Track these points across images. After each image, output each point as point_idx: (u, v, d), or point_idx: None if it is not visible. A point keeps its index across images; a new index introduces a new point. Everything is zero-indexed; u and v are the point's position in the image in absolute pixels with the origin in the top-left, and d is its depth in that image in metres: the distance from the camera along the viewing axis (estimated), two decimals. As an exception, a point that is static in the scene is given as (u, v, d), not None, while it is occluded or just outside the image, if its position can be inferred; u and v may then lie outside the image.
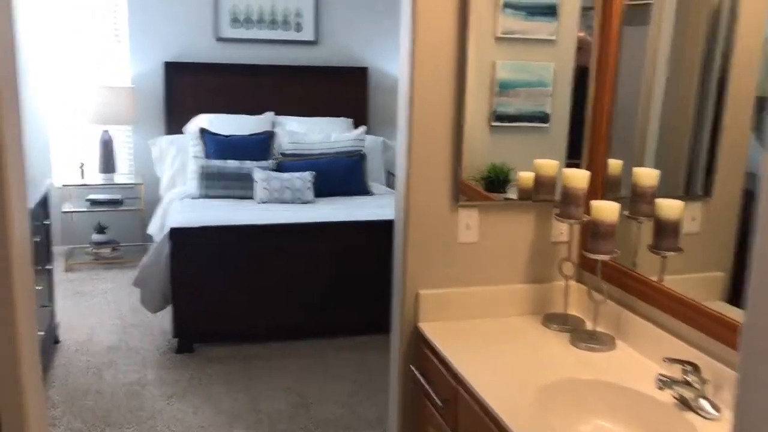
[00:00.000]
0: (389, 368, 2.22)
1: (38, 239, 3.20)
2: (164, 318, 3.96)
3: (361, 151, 4.93)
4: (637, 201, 1.89)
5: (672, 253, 1.76)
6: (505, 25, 2.07)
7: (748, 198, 1.62)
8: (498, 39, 2.07)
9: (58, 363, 3.54)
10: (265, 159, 4.72)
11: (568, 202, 1.98)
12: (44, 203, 3.59)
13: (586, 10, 2.27)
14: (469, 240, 2.08)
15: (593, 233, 1.85)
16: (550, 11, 2.15)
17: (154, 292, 3.74)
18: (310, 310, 3.80)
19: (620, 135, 2.10)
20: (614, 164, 2.07)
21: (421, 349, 2.01)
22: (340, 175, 4.68)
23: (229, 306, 3.71)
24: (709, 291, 1.69)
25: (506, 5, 2.07)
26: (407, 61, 2.01)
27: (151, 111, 5.37)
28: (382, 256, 3.88)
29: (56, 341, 3.76)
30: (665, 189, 1.85)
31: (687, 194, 1.86)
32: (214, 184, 4.44)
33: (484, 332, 2.00)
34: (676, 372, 1.58)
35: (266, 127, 5.27)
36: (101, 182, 5.10)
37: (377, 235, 3.84)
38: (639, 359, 1.81)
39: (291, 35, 5.55)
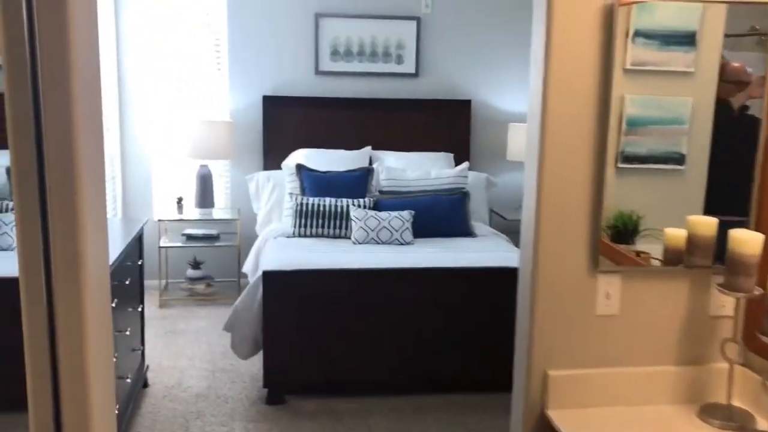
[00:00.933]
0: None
1: (128, 281, 3.07)
2: (255, 363, 3.77)
3: (464, 188, 4.63)
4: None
5: None
6: (636, 56, 1.78)
7: None
8: (627, 71, 1.77)
9: (146, 410, 3.39)
10: (362, 196, 4.50)
11: (736, 271, 1.62)
12: (139, 240, 3.48)
13: (731, 37, 1.93)
14: (609, 312, 1.74)
15: (777, 314, 1.48)
16: (688, 40, 1.84)
17: (245, 338, 3.55)
18: (407, 363, 3.51)
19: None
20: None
21: (549, 443, 1.67)
22: (440, 214, 4.39)
23: (322, 355, 3.47)
24: None
25: (637, 34, 1.77)
26: (538, 95, 1.72)
27: (248, 145, 5.29)
28: (488, 307, 3.57)
29: (145, 385, 3.63)
30: None
31: None
32: (310, 222, 4.25)
33: (628, 424, 1.65)
34: None
35: (364, 162, 5.07)
36: (198, 217, 5.02)
37: (483, 284, 3.53)
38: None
39: (391, 68, 5.35)
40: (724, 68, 1.89)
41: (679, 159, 1.93)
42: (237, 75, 5.21)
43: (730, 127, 1.99)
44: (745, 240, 1.60)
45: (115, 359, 2.79)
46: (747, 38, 1.96)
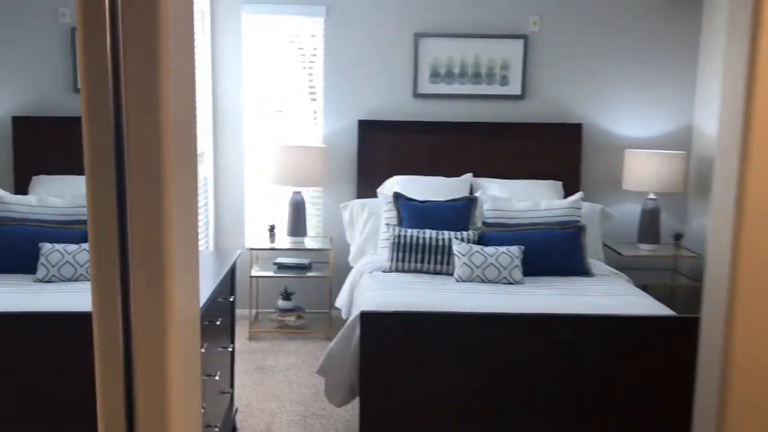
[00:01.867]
0: None
1: (219, 321, 2.84)
2: (350, 409, 3.47)
3: (579, 222, 4.21)
4: None
5: None
6: None
7: None
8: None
9: (234, 460, 3.14)
10: (465, 228, 4.15)
11: None
12: (232, 273, 3.25)
13: None
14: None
15: None
16: None
17: (339, 384, 3.25)
18: (521, 423, 3.11)
19: None
20: None
21: None
22: (553, 250, 3.98)
23: (424, 405, 3.12)
24: None
25: None
26: (736, 121, 1.33)
27: (342, 172, 5.05)
28: (624, 363, 3.07)
29: (234, 429, 3.38)
30: None
31: None
32: (408, 256, 3.94)
33: None
34: None
35: (465, 191, 4.73)
36: (290, 246, 4.81)
37: (615, 335, 3.09)
38: None
39: (495, 89, 5.00)
40: None
41: None
42: (331, 98, 4.99)
43: None
44: None
45: (203, 410, 2.55)
46: None
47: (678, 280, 4.92)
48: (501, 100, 5.02)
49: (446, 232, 4.02)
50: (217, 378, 2.84)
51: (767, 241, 1.33)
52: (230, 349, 3.22)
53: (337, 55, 4.95)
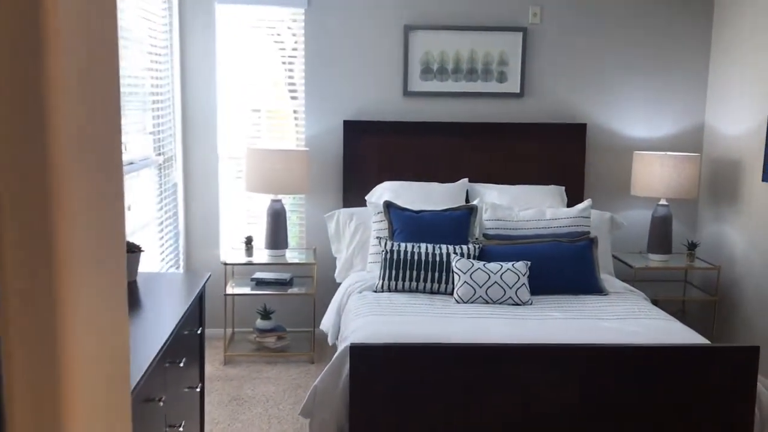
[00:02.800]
0: None
1: (182, 363, 2.39)
2: (337, 453, 3.03)
3: (589, 233, 3.81)
4: None
5: None
6: None
7: None
8: None
9: None
10: (464, 241, 3.73)
11: None
12: (201, 300, 2.80)
13: None
14: None
15: None
16: None
17: (325, 426, 2.82)
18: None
19: None
20: None
21: None
22: (562, 265, 3.58)
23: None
24: None
25: None
26: None
27: (327, 178, 4.61)
28: (645, 399, 2.68)
29: (204, 478, 2.93)
30: None
31: None
32: (402, 274, 3.51)
33: None
34: None
35: (460, 197, 4.31)
36: (269, 260, 4.36)
37: (637, 367, 2.68)
38: None
39: (492, 87, 4.59)
40: None
41: None
42: (314, 97, 4.55)
43: None
44: None
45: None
46: None
47: (690, 293, 4.54)
48: (498, 99, 4.61)
49: (444, 246, 3.60)
50: (181, 430, 2.39)
51: None
52: (198, 389, 2.77)
53: (319, 50, 4.51)
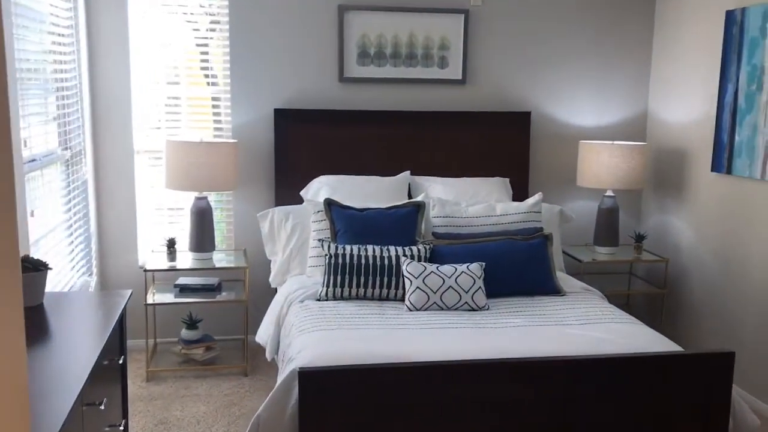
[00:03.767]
0: None
1: (103, 405, 2.00)
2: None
3: (542, 228, 3.60)
4: None
5: None
6: None
7: None
8: None
9: None
10: (412, 242, 3.45)
11: None
12: (121, 324, 2.39)
13: None
14: None
15: None
16: None
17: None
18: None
19: None
20: None
21: None
22: (516, 265, 3.35)
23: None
24: None
25: None
26: None
27: (257, 172, 4.23)
28: (620, 410, 2.56)
29: None
30: None
31: None
32: (348, 280, 3.20)
33: None
34: None
35: (403, 192, 4.03)
36: (194, 264, 3.95)
37: (609, 378, 2.47)
38: None
39: (433, 73, 4.31)
40: None
41: None
42: (241, 83, 4.14)
43: None
44: None
45: None
46: None
47: (635, 286, 4.43)
48: (440, 86, 4.34)
49: (392, 248, 3.30)
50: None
51: None
52: (122, 428, 2.38)
53: (245, 31, 4.10)
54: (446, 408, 2.38)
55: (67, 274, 3.50)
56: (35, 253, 2.84)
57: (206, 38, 4.16)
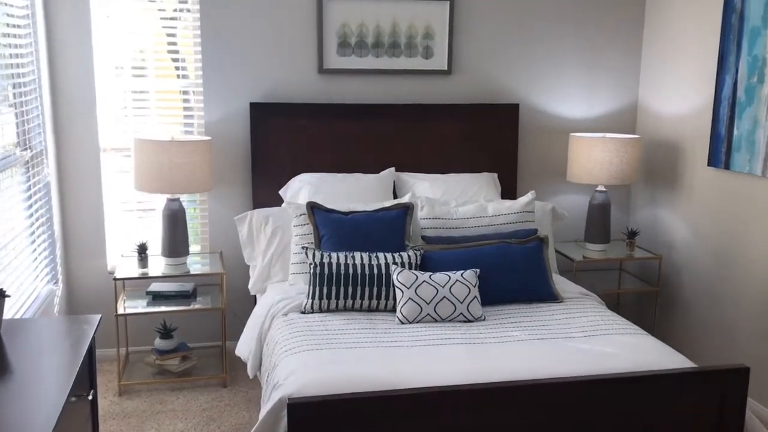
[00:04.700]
0: None
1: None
2: None
3: (536, 230, 3.43)
4: None
5: None
6: None
7: None
8: None
9: None
10: (402, 247, 3.26)
11: None
12: (90, 356, 2.16)
13: None
14: None
15: None
16: None
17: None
18: None
19: None
20: None
21: None
22: (512, 271, 3.18)
23: None
24: None
25: None
26: None
27: (232, 170, 3.99)
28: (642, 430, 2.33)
29: None
30: None
31: None
32: (336, 291, 2.99)
33: None
34: None
35: (387, 190, 3.83)
36: (167, 270, 3.71)
37: (626, 396, 2.32)
38: None
39: (418, 63, 4.09)
40: None
41: None
42: (213, 76, 3.88)
43: None
44: None
45: None
46: None
47: (627, 282, 4.29)
48: (424, 77, 4.12)
49: (381, 255, 3.10)
50: None
51: None
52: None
53: (218, 21, 3.84)
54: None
55: (30, 284, 3.25)
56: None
57: (173, 27, 3.88)
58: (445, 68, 4.12)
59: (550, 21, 4.20)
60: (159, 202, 3.86)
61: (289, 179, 3.85)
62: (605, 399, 2.29)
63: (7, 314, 2.75)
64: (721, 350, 3.72)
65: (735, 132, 3.54)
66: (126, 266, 3.72)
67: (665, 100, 4.14)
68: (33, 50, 3.46)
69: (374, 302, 3.00)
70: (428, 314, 2.89)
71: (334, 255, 3.06)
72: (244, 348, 3.16)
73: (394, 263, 3.06)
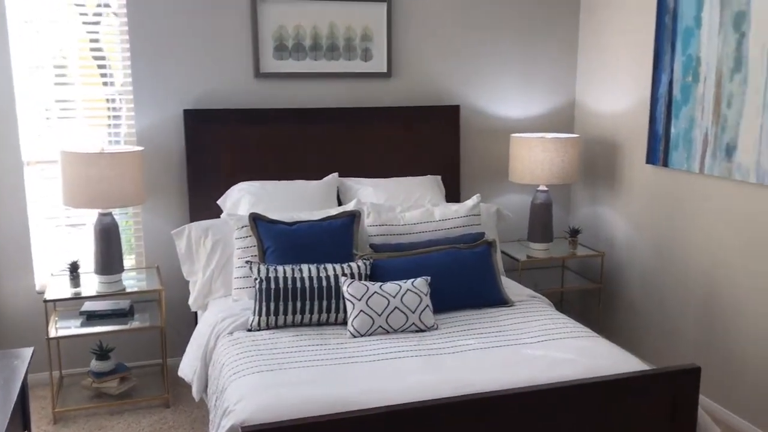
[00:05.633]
0: None
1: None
2: None
3: (484, 234, 3.41)
4: None
5: None
6: None
7: None
8: None
9: None
10: (350, 257, 3.17)
11: None
12: (23, 394, 1.99)
13: None
14: None
15: None
16: None
17: None
18: None
19: None
20: None
21: None
22: (462, 277, 3.14)
23: None
24: None
25: None
26: None
27: (167, 181, 3.82)
28: None
29: None
30: None
31: None
32: (283, 307, 2.88)
33: None
34: None
35: (331, 196, 3.75)
36: (101, 289, 3.51)
37: (584, 403, 2.31)
38: None
39: (357, 66, 4.01)
40: None
41: None
42: (144, 83, 3.70)
43: None
44: None
45: None
46: None
47: (569, 280, 4.34)
48: (364, 79, 4.05)
49: (330, 266, 3.01)
50: None
51: None
52: None
53: (147, 24, 3.66)
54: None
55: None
56: None
57: (96, 33, 3.68)
58: (385, 71, 4.05)
59: (488, 22, 4.18)
60: (90, 216, 3.67)
61: (228, 188, 3.71)
62: (561, 406, 2.27)
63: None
64: (664, 343, 3.80)
65: (672, 130, 3.60)
66: (57, 286, 3.51)
67: (603, 98, 4.19)
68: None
69: (324, 316, 2.91)
70: (380, 326, 2.83)
71: (280, 268, 2.95)
72: (187, 369, 3.02)
73: (344, 274, 2.98)
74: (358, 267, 3.04)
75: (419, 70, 4.12)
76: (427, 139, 4.11)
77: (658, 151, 3.71)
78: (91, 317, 3.56)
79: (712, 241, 3.41)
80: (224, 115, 3.77)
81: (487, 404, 2.19)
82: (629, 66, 3.93)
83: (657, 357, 3.83)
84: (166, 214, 3.82)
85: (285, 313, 2.87)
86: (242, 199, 3.59)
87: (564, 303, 4.40)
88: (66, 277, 3.57)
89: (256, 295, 2.91)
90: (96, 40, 3.68)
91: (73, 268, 3.52)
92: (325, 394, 2.28)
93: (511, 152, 4.11)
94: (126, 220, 3.86)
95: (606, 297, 4.26)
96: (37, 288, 3.71)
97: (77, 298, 3.45)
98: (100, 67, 3.74)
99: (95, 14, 3.65)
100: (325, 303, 2.90)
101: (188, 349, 3.12)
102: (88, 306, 3.61)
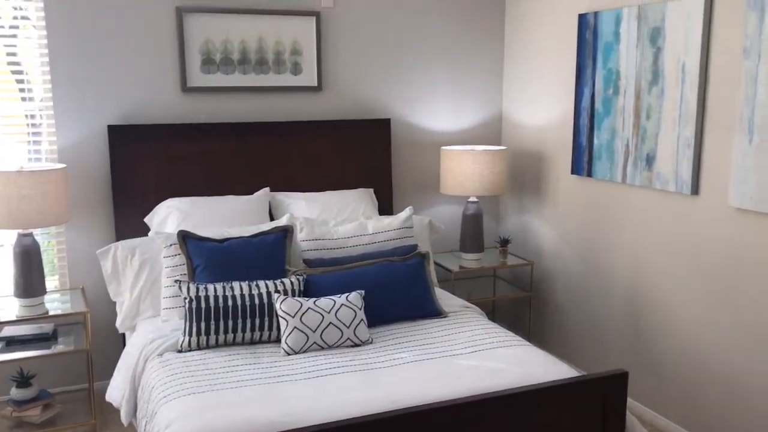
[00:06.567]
0: None
1: None
2: None
3: (417, 246, 3.43)
4: None
5: None
6: None
7: None
8: None
9: None
10: (283, 273, 3.14)
11: None
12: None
13: None
14: None
15: None
16: None
17: None
18: None
19: None
20: None
21: None
22: (396, 290, 3.15)
23: None
24: None
25: None
26: None
27: (91, 199, 3.69)
28: None
29: None
30: None
31: None
32: (215, 326, 2.82)
33: None
34: None
35: (263, 211, 3.70)
36: (21, 313, 3.36)
37: (516, 412, 2.34)
38: None
39: (287, 80, 3.99)
40: None
41: None
42: (66, 98, 3.58)
43: None
44: None
45: None
46: None
47: (501, 289, 4.41)
48: (294, 93, 4.03)
49: (262, 283, 2.97)
50: None
51: None
52: None
53: (68, 36, 3.54)
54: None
55: None
56: None
57: (14, 46, 3.54)
58: (315, 84, 4.04)
59: (417, 36, 4.24)
60: (8, 237, 3.50)
61: (156, 205, 3.62)
62: (496, 415, 2.30)
63: None
64: (593, 348, 3.90)
65: (595, 141, 3.72)
66: (-28, 312, 3.34)
67: (528, 111, 4.29)
68: None
69: (257, 334, 2.87)
70: (315, 342, 2.80)
71: (210, 287, 2.89)
72: (116, 393, 2.92)
73: (276, 291, 2.94)
74: (292, 283, 3.01)
75: (350, 83, 4.14)
76: (358, 152, 4.12)
77: (583, 161, 3.83)
78: (11, 342, 3.40)
79: (636, 248, 3.54)
80: (150, 131, 3.68)
81: (421, 417, 2.20)
82: (553, 80, 4.05)
83: (587, 362, 3.93)
84: (90, 233, 3.70)
85: (216, 333, 2.82)
86: (170, 216, 3.51)
87: (496, 312, 4.48)
88: (-17, 302, 3.40)
89: (185, 314, 2.84)
90: (13, 54, 3.54)
91: (-9, 292, 3.36)
92: (259, 415, 2.25)
93: (441, 164, 4.16)
94: (48, 240, 3.71)
95: (536, 305, 4.35)
96: (-49, 314, 3.51)
97: (-5, 324, 3.29)
98: (19, 81, 3.59)
99: (12, 27, 3.51)
100: (257, 321, 2.86)
101: (116, 372, 3.01)
102: (7, 331, 3.45)
